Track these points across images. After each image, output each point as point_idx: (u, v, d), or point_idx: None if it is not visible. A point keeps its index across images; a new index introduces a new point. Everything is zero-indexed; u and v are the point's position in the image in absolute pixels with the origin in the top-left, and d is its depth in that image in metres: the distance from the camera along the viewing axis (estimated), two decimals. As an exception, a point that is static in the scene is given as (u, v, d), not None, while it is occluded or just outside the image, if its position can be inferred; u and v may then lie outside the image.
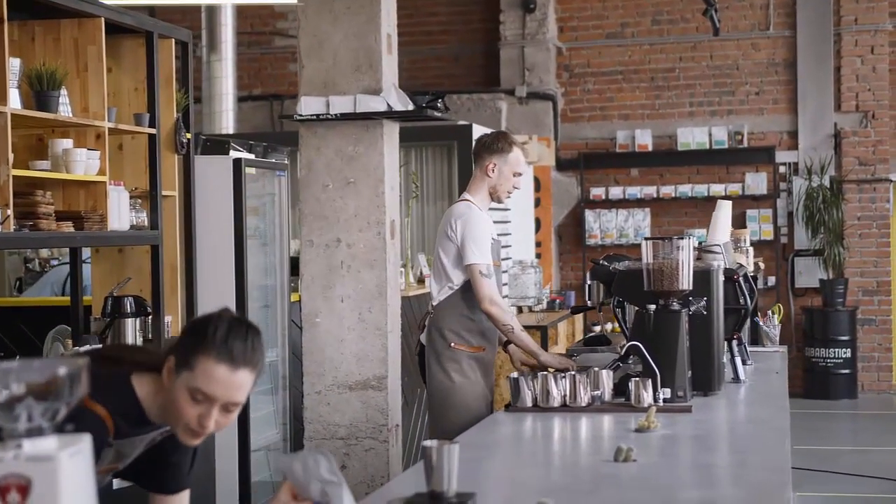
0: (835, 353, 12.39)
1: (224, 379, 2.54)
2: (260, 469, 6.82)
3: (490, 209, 5.44)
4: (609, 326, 12.38)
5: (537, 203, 12.54)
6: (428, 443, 2.73)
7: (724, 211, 5.67)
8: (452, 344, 5.23)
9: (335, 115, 5.88)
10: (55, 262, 9.11)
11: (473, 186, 5.40)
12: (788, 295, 12.82)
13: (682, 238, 4.49)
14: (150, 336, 5.70)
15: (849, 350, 12.41)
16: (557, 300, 11.23)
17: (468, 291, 5.22)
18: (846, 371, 12.42)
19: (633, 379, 4.29)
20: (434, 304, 5.31)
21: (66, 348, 5.52)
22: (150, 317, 5.69)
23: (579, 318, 11.32)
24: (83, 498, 1.78)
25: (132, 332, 5.53)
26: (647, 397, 4.23)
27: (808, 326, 12.56)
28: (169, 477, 2.89)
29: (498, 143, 5.35)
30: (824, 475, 8.77)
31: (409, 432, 7.38)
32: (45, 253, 9.19)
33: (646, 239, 4.53)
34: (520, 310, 10.43)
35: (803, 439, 9.96)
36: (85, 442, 1.80)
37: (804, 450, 9.52)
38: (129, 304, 5.53)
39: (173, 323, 5.92)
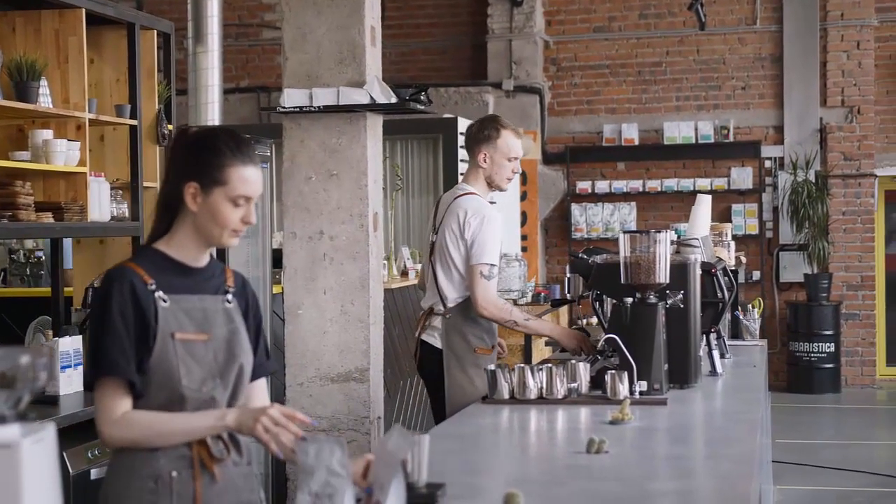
0: (819, 347, 12.43)
1: (254, 178, 2.90)
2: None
3: None
4: (595, 320, 12.42)
5: (523, 196, 12.56)
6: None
7: (704, 205, 5.70)
8: (476, 349, 5.14)
9: (318, 107, 5.89)
10: (40, 254, 9.11)
11: (471, 177, 5.28)
12: (773, 289, 12.87)
13: (660, 232, 4.50)
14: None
15: (833, 344, 12.46)
16: (543, 293, 11.24)
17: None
18: (830, 365, 12.47)
19: (609, 371, 4.31)
20: (449, 304, 5.15)
21: (48, 339, 5.52)
22: (130, 308, 5.68)
23: (564, 311, 11.34)
24: (48, 485, 1.80)
25: (113, 322, 5.53)
26: (623, 390, 4.25)
27: (792, 321, 12.60)
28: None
29: (484, 130, 5.20)
30: (806, 468, 8.81)
31: (391, 424, 7.39)
32: (30, 244, 9.18)
33: (623, 232, 4.55)
34: (505, 303, 10.44)
35: (786, 433, 10.00)
36: (48, 430, 1.82)
37: (787, 443, 9.56)
38: (109, 296, 5.52)
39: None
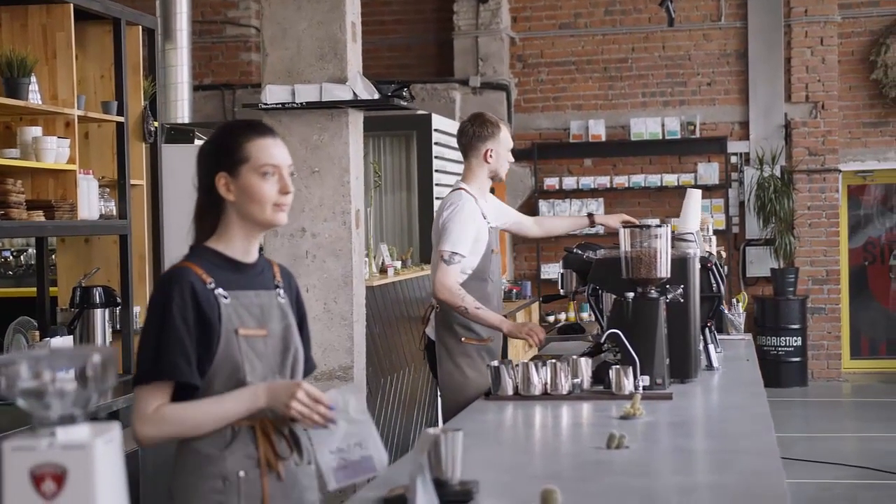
0: (785, 341, 12.53)
1: (274, 146, 2.91)
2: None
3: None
4: (563, 316, 12.45)
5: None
6: (432, 430, 2.73)
7: (695, 199, 5.71)
8: (463, 339, 5.19)
9: (301, 103, 5.84)
10: (7, 254, 8.99)
11: (469, 175, 5.38)
12: (740, 284, 12.94)
13: (661, 226, 4.50)
14: (118, 327, 5.63)
15: (799, 338, 12.56)
16: (514, 290, 11.27)
17: (472, 283, 5.14)
18: (797, 359, 12.57)
19: (613, 367, 4.30)
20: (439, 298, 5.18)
21: (30, 340, 5.43)
22: (118, 307, 5.61)
23: (535, 307, 11.37)
24: (117, 484, 1.76)
25: (101, 322, 5.46)
26: (629, 385, 4.25)
27: (759, 315, 12.68)
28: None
29: (487, 128, 5.35)
30: (783, 461, 8.86)
31: (373, 422, 7.37)
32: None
33: (624, 227, 4.54)
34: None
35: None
36: (115, 430, 1.78)
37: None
38: (98, 295, 5.45)
39: (142, 313, 5.84)
